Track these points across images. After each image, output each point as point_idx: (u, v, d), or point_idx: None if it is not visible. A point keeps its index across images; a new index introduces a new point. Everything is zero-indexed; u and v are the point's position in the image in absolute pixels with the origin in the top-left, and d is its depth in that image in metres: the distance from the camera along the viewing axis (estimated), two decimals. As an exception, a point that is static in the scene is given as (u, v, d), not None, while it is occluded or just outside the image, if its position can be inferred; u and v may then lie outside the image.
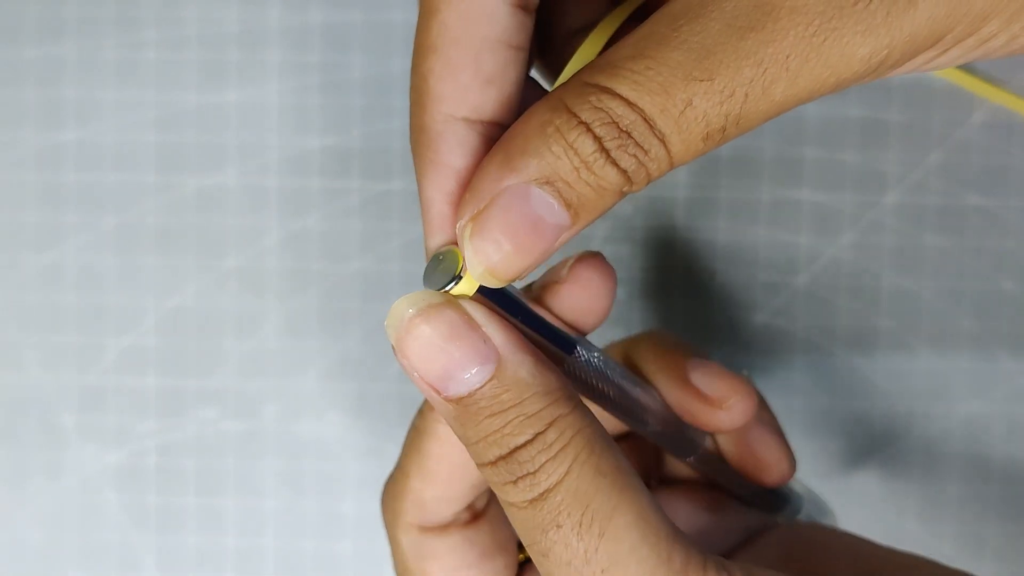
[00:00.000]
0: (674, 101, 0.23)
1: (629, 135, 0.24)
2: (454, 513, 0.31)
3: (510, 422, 0.25)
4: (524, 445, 0.25)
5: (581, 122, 0.24)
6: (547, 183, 0.24)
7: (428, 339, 0.25)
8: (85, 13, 0.42)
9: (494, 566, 0.32)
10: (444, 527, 0.31)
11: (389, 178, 0.42)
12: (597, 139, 0.24)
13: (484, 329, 0.25)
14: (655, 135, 0.24)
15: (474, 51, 0.26)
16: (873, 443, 0.42)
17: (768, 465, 0.33)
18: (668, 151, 0.24)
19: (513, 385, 0.25)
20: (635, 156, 0.24)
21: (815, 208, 0.42)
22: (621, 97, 0.23)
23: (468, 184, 0.26)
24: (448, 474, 0.30)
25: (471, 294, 0.26)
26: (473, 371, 0.25)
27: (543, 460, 0.25)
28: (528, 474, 0.25)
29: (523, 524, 0.25)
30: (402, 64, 0.42)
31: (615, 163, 0.24)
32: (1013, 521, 0.42)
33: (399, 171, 0.42)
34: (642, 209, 0.42)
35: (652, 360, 0.33)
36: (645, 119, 0.23)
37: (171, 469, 0.43)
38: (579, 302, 0.29)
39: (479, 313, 0.26)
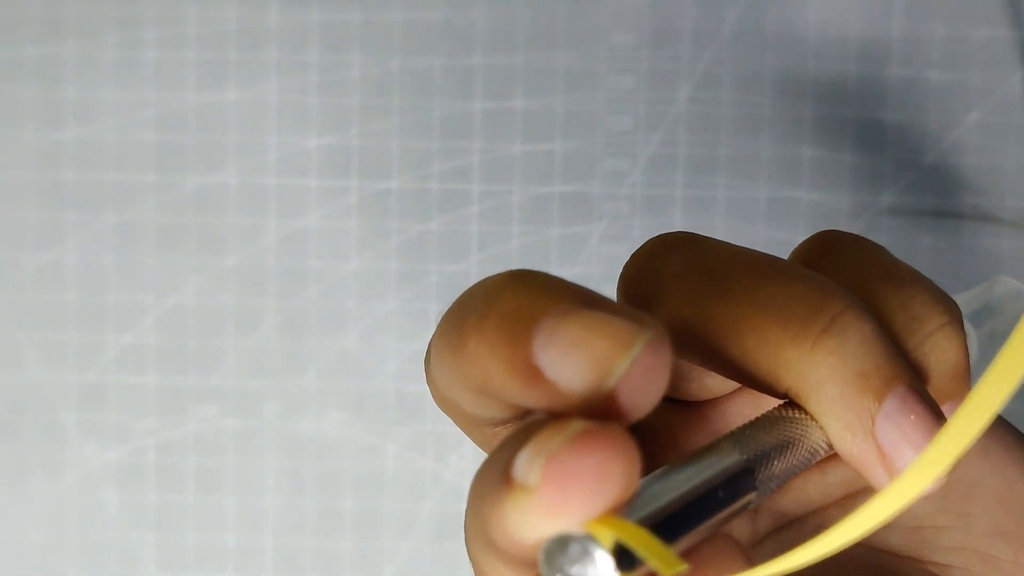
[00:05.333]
0: None
1: None
2: None
3: None
4: None
5: None
6: None
7: None
8: (85, 12, 0.42)
9: None
10: None
11: (388, 177, 0.42)
12: None
13: None
14: None
15: None
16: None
17: (897, 472, 0.21)
18: None
19: None
20: None
21: (812, 207, 0.42)
22: None
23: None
24: None
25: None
26: None
27: None
28: None
29: None
30: (401, 63, 0.42)
31: None
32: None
33: (397, 170, 0.42)
34: (639, 208, 0.42)
35: (832, 398, 0.21)
36: None
37: (171, 467, 0.43)
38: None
39: None
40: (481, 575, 0.20)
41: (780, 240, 0.42)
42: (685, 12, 0.42)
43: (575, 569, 0.17)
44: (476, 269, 0.43)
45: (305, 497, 0.43)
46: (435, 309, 0.43)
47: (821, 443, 0.21)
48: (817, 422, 0.21)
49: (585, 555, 0.17)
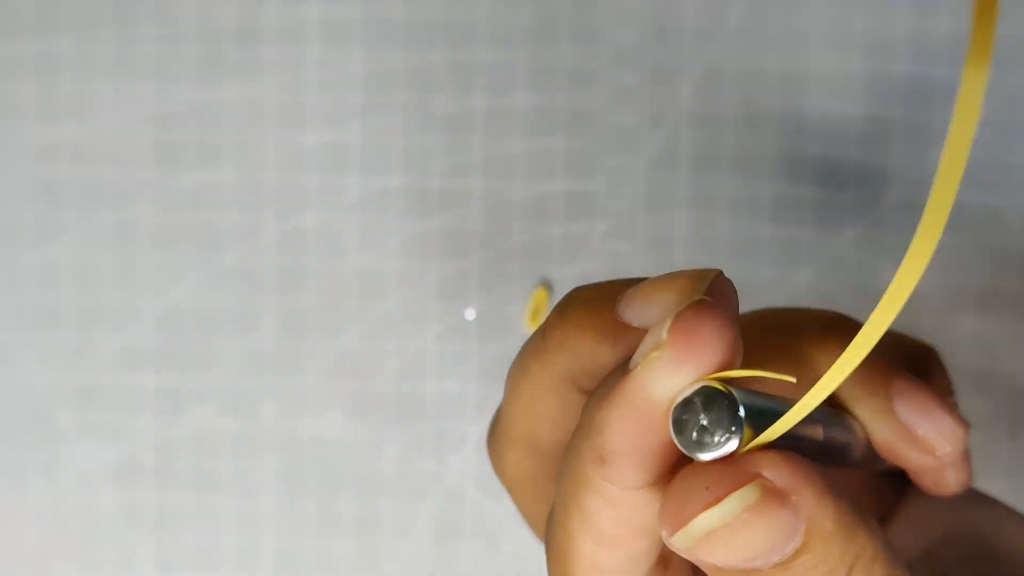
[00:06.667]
0: None
1: None
2: (647, 571, 0.23)
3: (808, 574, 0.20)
4: None
5: None
6: None
7: (742, 543, 0.19)
8: (81, 7, 0.42)
9: None
10: None
11: (388, 174, 0.42)
12: None
13: (795, 495, 0.19)
14: None
15: None
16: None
17: (927, 446, 0.25)
18: None
19: (819, 542, 0.19)
20: None
21: (818, 205, 0.42)
22: None
23: None
24: (631, 535, 0.21)
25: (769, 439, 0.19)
26: (783, 549, 0.19)
27: None
28: None
29: None
30: (403, 58, 0.42)
31: None
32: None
33: (398, 167, 0.42)
34: (642, 206, 0.42)
35: (851, 378, 0.23)
36: None
37: (169, 467, 0.43)
38: None
39: (788, 475, 0.19)
40: (595, 497, 0.21)
41: (784, 239, 0.42)
42: (688, 8, 0.42)
43: (705, 417, 0.19)
44: (477, 267, 0.42)
45: (304, 497, 0.43)
46: (436, 308, 0.42)
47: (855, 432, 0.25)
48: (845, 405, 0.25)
49: (715, 404, 0.19)
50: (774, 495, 0.19)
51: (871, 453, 0.25)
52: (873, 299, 0.43)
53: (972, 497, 0.28)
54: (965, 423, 0.25)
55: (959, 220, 0.42)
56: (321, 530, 0.43)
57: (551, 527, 0.23)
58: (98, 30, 0.42)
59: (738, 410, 0.19)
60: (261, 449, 0.43)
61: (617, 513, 0.21)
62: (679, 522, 0.19)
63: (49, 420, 0.43)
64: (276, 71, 0.42)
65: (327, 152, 0.42)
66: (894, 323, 0.19)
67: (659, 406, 0.19)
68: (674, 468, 0.20)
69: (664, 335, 0.19)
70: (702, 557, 0.19)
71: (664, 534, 0.19)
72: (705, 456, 0.19)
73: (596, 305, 0.23)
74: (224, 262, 0.43)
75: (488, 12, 0.42)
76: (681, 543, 0.19)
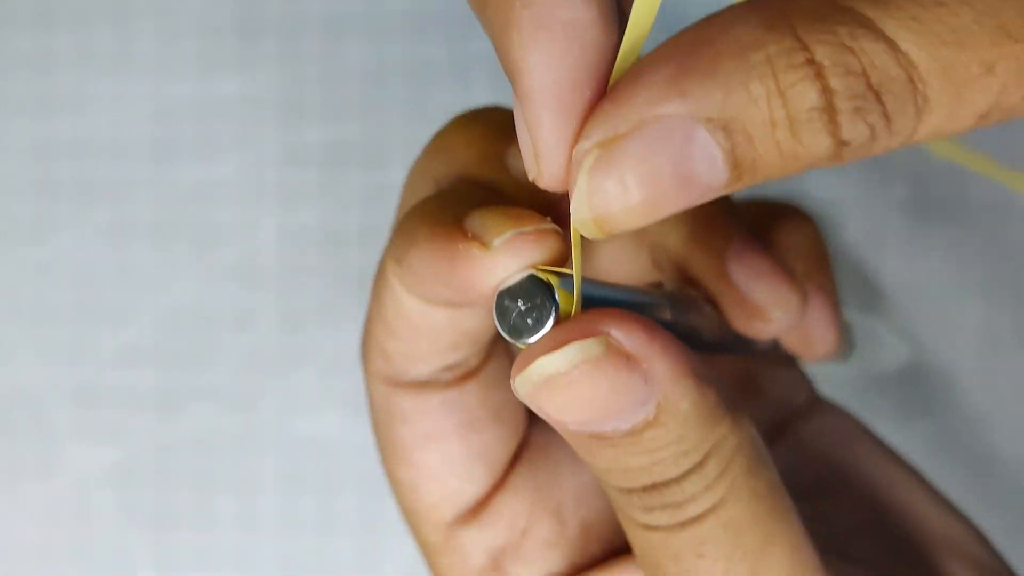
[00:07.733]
0: (967, 61, 0.16)
1: (878, 96, 0.16)
2: (431, 371, 0.24)
3: (663, 459, 0.20)
4: (677, 479, 0.20)
5: (811, 61, 0.17)
6: (722, 128, 0.17)
7: (582, 398, 0.19)
8: (79, 3, 0.42)
9: (482, 439, 0.24)
10: (419, 385, 0.24)
11: (389, 169, 0.42)
12: (826, 91, 0.17)
13: (645, 363, 0.19)
14: (915, 102, 0.16)
15: None
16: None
17: (759, 310, 0.25)
18: (917, 126, 0.17)
19: (672, 420, 0.19)
20: (872, 126, 0.17)
21: (821, 201, 0.41)
22: (888, 40, 0.16)
23: (604, 85, 0.18)
24: (410, 333, 0.23)
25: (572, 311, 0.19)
26: (630, 416, 0.19)
27: (696, 491, 0.20)
28: (674, 503, 0.20)
29: (651, 546, 0.21)
30: (402, 52, 0.42)
31: (836, 130, 0.17)
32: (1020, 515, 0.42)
33: (399, 162, 0.42)
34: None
35: (686, 238, 0.25)
36: (912, 79, 0.16)
37: (167, 466, 0.43)
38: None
39: (637, 339, 0.19)
40: (386, 289, 0.23)
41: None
42: (690, 0, 0.42)
43: (523, 303, 0.19)
44: (478, 263, 0.42)
45: (304, 497, 0.43)
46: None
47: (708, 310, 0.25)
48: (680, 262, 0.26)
49: (533, 290, 0.19)
50: (619, 354, 0.19)
51: (729, 336, 0.25)
52: (876, 293, 0.42)
53: (869, 448, 0.29)
54: (801, 291, 0.25)
55: (964, 211, 0.41)
56: (321, 530, 0.43)
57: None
58: (96, 25, 0.42)
59: (553, 294, 0.19)
60: (260, 448, 0.43)
61: (398, 309, 0.23)
62: (520, 368, 0.19)
63: (46, 419, 0.43)
64: (275, 66, 0.42)
65: (326, 147, 0.42)
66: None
67: (467, 279, 0.20)
68: (458, 298, 0.21)
69: (498, 242, 0.20)
70: (543, 406, 0.19)
71: (513, 384, 0.19)
72: (524, 340, 0.19)
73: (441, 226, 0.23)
74: (223, 259, 0.42)
75: (488, 5, 0.42)
76: (521, 387, 0.19)
